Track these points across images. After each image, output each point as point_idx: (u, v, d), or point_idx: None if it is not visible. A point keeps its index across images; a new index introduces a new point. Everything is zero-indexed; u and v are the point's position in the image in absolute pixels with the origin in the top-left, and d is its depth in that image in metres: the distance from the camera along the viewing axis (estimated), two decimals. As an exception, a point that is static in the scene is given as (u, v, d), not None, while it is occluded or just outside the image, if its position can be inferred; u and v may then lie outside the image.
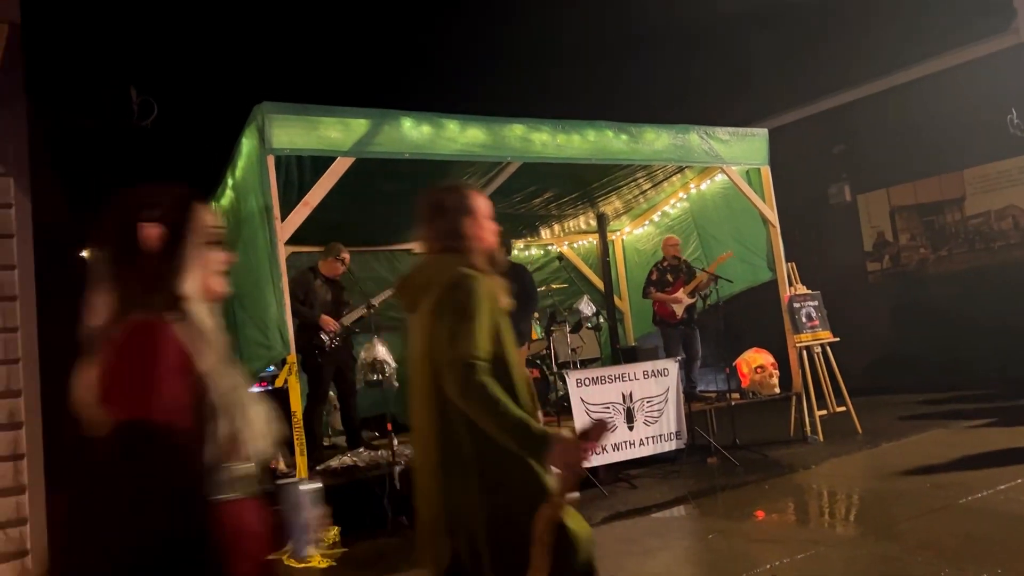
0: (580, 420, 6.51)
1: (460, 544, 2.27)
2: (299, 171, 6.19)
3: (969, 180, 11.85)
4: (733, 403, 7.84)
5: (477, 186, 7.87)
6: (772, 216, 8.44)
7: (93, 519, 1.61)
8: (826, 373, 8.13)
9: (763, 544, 4.85)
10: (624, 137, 7.30)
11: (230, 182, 6.55)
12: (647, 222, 10.30)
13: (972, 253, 11.92)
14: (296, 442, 5.42)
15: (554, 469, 2.20)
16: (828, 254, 12.93)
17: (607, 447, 6.60)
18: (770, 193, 8.45)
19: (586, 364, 8.74)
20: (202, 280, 1.79)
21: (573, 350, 8.14)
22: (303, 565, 5.07)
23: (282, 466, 6.27)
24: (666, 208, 9.90)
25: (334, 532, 5.47)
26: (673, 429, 7.02)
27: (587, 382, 6.70)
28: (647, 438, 6.85)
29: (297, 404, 5.49)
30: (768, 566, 4.35)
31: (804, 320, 8.22)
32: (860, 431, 7.95)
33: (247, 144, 5.97)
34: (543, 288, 9.36)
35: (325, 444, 7.10)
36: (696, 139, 7.79)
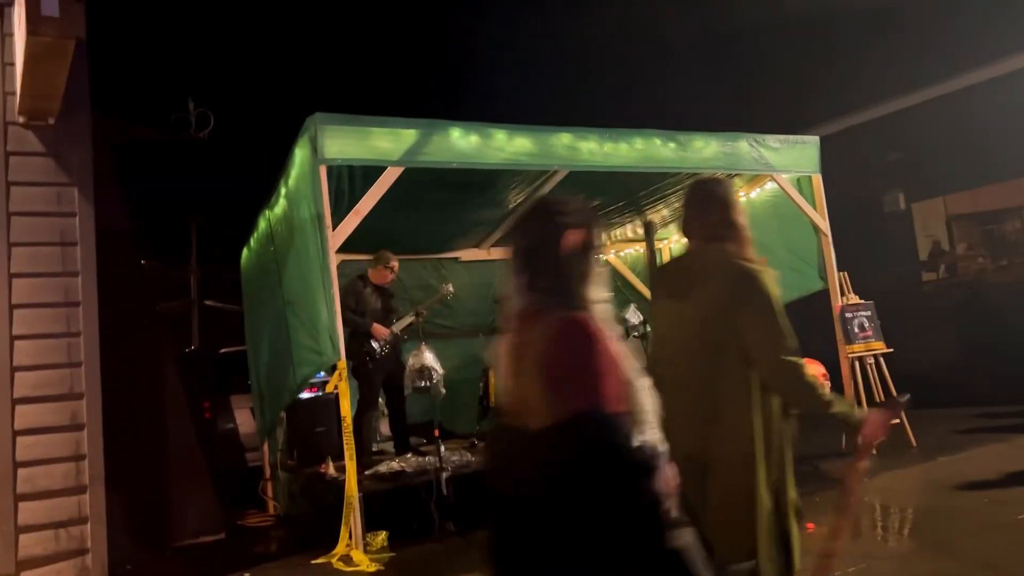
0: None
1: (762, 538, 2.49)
2: (350, 180, 6.29)
3: (1030, 188, 11.52)
4: (783, 414, 7.71)
5: (524, 195, 7.96)
6: (824, 224, 8.31)
7: (528, 503, 1.75)
8: (879, 385, 7.97)
9: (814, 557, 4.76)
10: (672, 145, 7.26)
11: (283, 191, 6.69)
12: (695, 231, 10.22)
13: (1033, 263, 11.58)
14: (346, 447, 5.50)
15: (862, 438, 2.53)
16: (881, 264, 12.66)
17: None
18: (821, 201, 8.32)
19: (633, 373, 8.71)
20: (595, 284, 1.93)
21: (620, 359, 8.11)
22: (352, 569, 5.15)
23: (331, 471, 6.38)
24: (715, 217, 9.81)
25: (382, 536, 5.54)
26: (721, 440, 6.94)
27: (634, 391, 6.66)
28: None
29: (347, 410, 5.57)
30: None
31: (856, 330, 8.08)
32: (915, 444, 7.76)
33: (300, 154, 6.09)
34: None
35: (373, 450, 7.19)
36: (746, 147, 7.72)
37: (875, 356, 8.06)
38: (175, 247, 22.40)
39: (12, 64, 4.85)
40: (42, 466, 4.73)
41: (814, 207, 8.32)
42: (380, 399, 7.29)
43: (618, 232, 10.01)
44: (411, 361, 6.61)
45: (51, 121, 4.95)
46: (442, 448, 6.05)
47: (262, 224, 7.72)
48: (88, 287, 4.99)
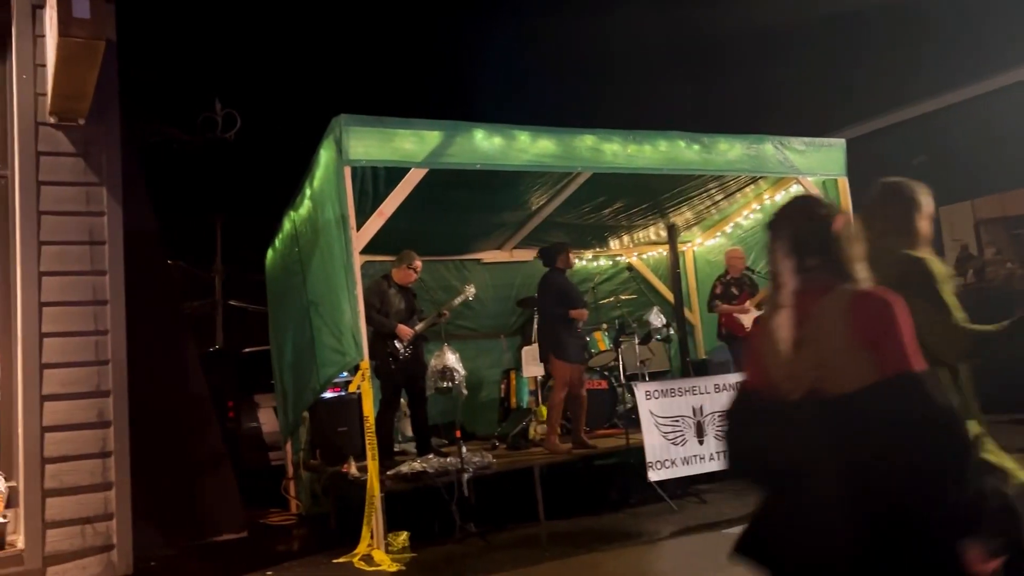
0: (649, 434, 6.46)
1: None
2: (373, 182, 6.33)
3: (1061, 192, 11.34)
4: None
5: (546, 196, 7.96)
6: (849, 228, 8.21)
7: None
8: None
9: None
10: (696, 147, 7.22)
11: (308, 192, 6.74)
12: (719, 233, 10.15)
13: (1064, 268, 11.39)
14: (368, 447, 5.52)
15: None
16: (908, 268, 12.50)
17: (677, 461, 6.53)
18: (847, 205, 8.25)
19: (655, 377, 8.66)
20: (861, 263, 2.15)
21: (642, 362, 8.09)
22: (373, 569, 5.16)
23: (353, 470, 6.40)
24: (739, 220, 9.74)
25: (403, 537, 5.55)
26: (744, 444, 6.89)
27: (656, 394, 6.64)
28: (718, 452, 6.74)
29: (369, 410, 5.59)
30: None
31: (882, 335, 7.97)
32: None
33: (325, 155, 6.13)
34: (611, 299, 9.33)
35: (395, 450, 7.21)
36: (771, 149, 7.66)
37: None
38: (200, 247, 22.57)
39: (43, 65, 4.92)
40: (69, 462, 4.79)
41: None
42: (402, 400, 7.32)
43: (641, 235, 9.98)
44: (433, 362, 6.63)
45: (81, 122, 5.02)
46: (464, 449, 6.06)
47: (287, 225, 7.77)
48: (116, 286, 5.05)
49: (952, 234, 12.69)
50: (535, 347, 7.54)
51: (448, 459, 6.20)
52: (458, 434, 6.28)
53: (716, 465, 6.72)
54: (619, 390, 8.03)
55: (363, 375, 5.61)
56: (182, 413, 6.83)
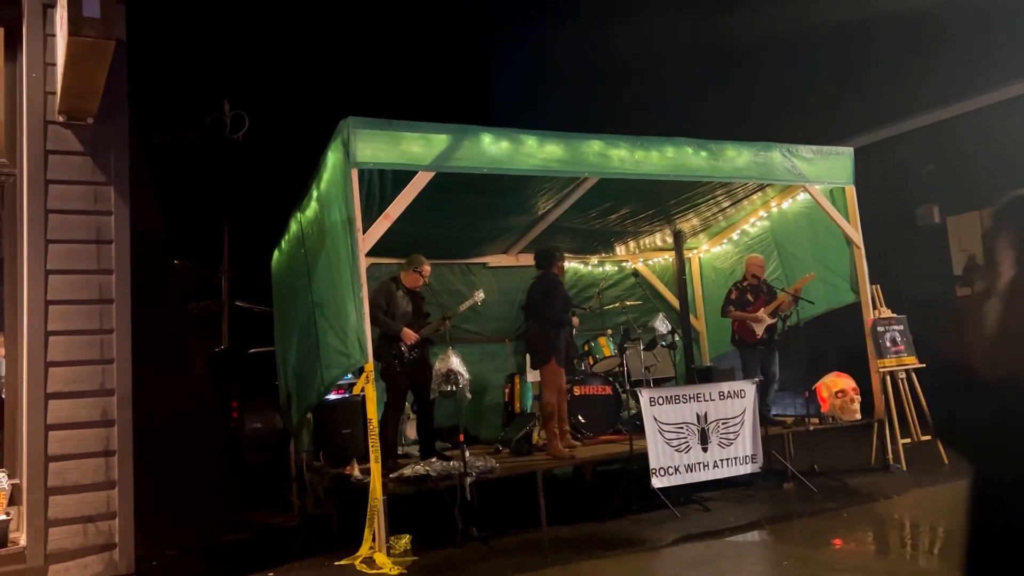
0: (653, 440, 6.44)
1: None
2: (380, 184, 6.33)
3: (1070, 203, 11.27)
4: (812, 428, 7.62)
5: (553, 201, 7.95)
6: (856, 237, 8.21)
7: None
8: (911, 400, 7.83)
9: (840, 573, 4.70)
10: (704, 154, 7.22)
11: (315, 194, 6.75)
12: (725, 240, 10.14)
13: (1072, 279, 11.31)
14: (371, 449, 5.51)
15: None
16: (915, 277, 12.47)
17: (681, 468, 6.50)
18: (855, 213, 8.23)
19: (659, 383, 8.65)
20: None
21: (647, 368, 8.06)
22: (374, 571, 5.15)
23: (356, 473, 6.39)
24: (745, 227, 9.72)
25: (405, 540, 5.55)
26: (749, 452, 6.87)
27: (661, 401, 6.62)
28: (721, 460, 6.72)
29: (374, 412, 5.59)
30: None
31: (888, 344, 7.96)
32: (947, 462, 7.61)
33: (332, 157, 6.14)
34: (617, 304, 9.31)
35: (399, 453, 7.20)
36: (778, 157, 7.66)
37: (907, 371, 7.94)
38: (207, 247, 22.60)
39: (53, 64, 4.94)
40: (72, 461, 4.80)
41: (847, 219, 8.22)
42: (407, 402, 7.31)
43: (647, 241, 9.96)
44: (437, 365, 6.62)
45: (90, 121, 5.03)
46: (467, 453, 6.04)
47: (293, 226, 7.78)
48: (122, 285, 5.06)
49: (960, 244, 12.65)
50: (537, 352, 7.51)
51: (452, 463, 6.19)
52: (462, 438, 6.27)
53: (720, 473, 6.70)
54: (623, 396, 8.01)
55: (367, 377, 5.61)
56: (186, 413, 6.83)
